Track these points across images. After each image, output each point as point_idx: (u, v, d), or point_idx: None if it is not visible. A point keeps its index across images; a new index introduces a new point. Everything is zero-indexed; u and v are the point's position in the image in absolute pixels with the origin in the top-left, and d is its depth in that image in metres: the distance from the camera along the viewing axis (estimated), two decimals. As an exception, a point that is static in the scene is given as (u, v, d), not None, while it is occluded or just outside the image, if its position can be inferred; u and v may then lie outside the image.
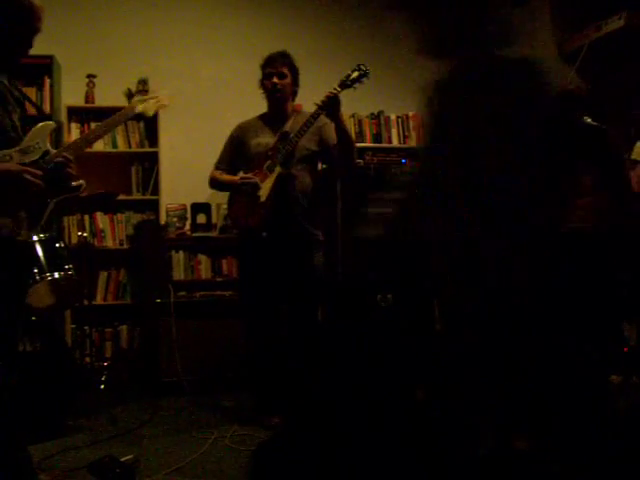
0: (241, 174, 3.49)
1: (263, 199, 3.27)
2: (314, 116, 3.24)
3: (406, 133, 5.17)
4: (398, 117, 5.16)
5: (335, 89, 3.23)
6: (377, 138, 5.12)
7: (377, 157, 4.77)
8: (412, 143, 5.16)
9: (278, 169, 3.27)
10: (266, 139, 3.40)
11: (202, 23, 5.07)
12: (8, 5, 2.27)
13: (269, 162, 3.31)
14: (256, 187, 3.29)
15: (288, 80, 3.40)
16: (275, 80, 3.37)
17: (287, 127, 3.38)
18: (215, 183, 3.60)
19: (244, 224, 3.38)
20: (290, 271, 3.36)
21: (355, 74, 3.27)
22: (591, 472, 1.84)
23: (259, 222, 3.29)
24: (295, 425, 1.40)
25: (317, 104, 3.24)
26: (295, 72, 3.45)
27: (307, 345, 3.26)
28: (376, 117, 5.13)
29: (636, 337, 3.68)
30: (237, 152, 3.52)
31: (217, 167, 3.57)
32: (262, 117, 3.54)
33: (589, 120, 3.21)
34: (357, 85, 3.27)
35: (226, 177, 3.52)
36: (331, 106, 3.22)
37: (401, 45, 5.43)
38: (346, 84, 3.25)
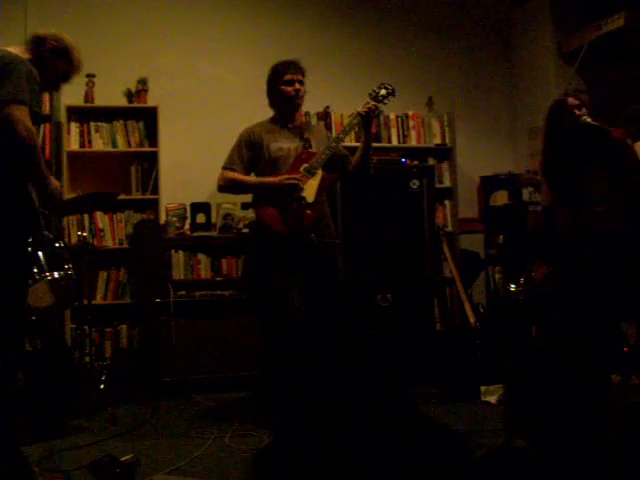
0: (260, 176, 3.46)
1: (311, 200, 3.30)
2: (351, 124, 3.43)
3: (405, 133, 5.17)
4: (397, 116, 5.16)
5: (370, 102, 3.38)
6: (377, 137, 5.10)
7: (377, 156, 4.77)
8: (411, 143, 5.17)
9: (320, 172, 3.34)
10: (287, 144, 3.42)
11: (201, 22, 5.06)
12: (58, 46, 2.65)
13: (306, 165, 3.34)
14: (300, 189, 3.31)
15: (304, 88, 3.46)
16: (298, 87, 3.41)
17: (305, 134, 3.44)
18: (233, 184, 3.48)
19: (294, 227, 3.30)
20: (321, 275, 3.39)
21: (383, 92, 3.41)
22: (590, 472, 1.83)
23: (311, 223, 3.29)
24: (296, 427, 1.40)
25: (359, 112, 3.37)
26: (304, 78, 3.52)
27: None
28: (376, 117, 5.11)
29: (635, 337, 3.69)
30: (255, 155, 3.46)
31: (230, 169, 3.46)
32: (274, 122, 3.52)
33: (589, 120, 3.22)
34: (386, 102, 3.44)
35: (254, 178, 3.46)
36: (372, 116, 3.42)
37: (401, 45, 5.45)
38: (378, 99, 3.40)
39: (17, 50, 2.56)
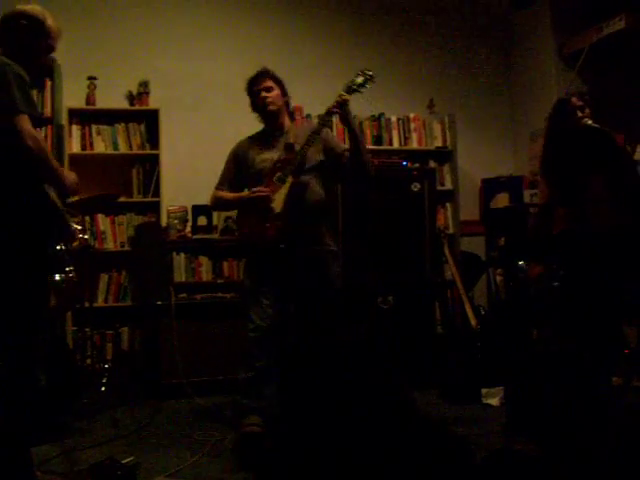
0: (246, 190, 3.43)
1: (278, 210, 3.19)
2: (322, 124, 3.26)
3: (407, 135, 5.17)
4: (399, 119, 5.17)
5: (342, 94, 3.20)
6: (378, 140, 5.12)
7: (378, 159, 4.77)
8: (412, 145, 5.18)
9: (290, 179, 3.21)
10: (270, 154, 3.34)
11: (202, 25, 5.08)
12: (30, 23, 2.52)
13: (279, 174, 3.24)
14: (268, 200, 3.21)
15: (276, 92, 3.37)
16: (264, 94, 3.34)
17: (290, 139, 3.34)
18: (219, 203, 3.53)
19: (260, 239, 3.25)
20: (305, 282, 3.28)
21: (360, 79, 3.25)
22: (592, 473, 1.84)
23: (276, 234, 3.19)
24: (296, 427, 1.40)
25: (327, 110, 3.24)
26: (281, 84, 3.41)
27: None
28: (377, 119, 5.13)
29: (636, 339, 3.69)
30: (240, 170, 3.46)
31: (219, 188, 3.49)
32: (261, 134, 3.50)
33: (590, 122, 3.23)
34: (362, 90, 3.26)
35: (232, 195, 3.45)
36: (341, 111, 3.22)
37: (401, 47, 5.45)
38: (352, 89, 3.23)
39: None
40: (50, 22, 2.59)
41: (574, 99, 3.40)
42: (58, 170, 2.49)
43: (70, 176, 2.58)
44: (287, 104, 3.47)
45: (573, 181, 3.30)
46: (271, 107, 3.36)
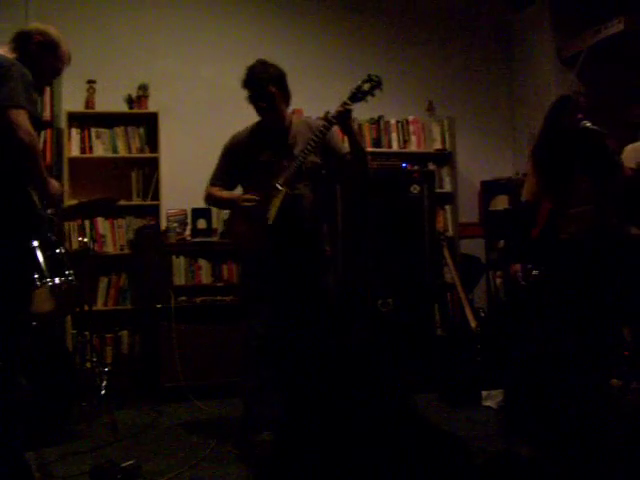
0: (238, 192, 3.30)
1: (271, 221, 3.06)
2: (322, 132, 3.05)
3: (406, 138, 5.18)
4: (398, 122, 5.17)
5: (346, 103, 3.02)
6: (377, 143, 5.12)
7: (377, 162, 4.77)
8: (412, 148, 5.18)
9: (284, 189, 3.05)
10: (268, 154, 3.18)
11: (202, 28, 5.08)
12: (45, 40, 2.62)
13: (275, 180, 3.08)
14: (260, 207, 3.09)
15: (274, 94, 3.13)
16: (261, 104, 3.14)
17: (289, 139, 3.19)
18: (212, 200, 3.38)
19: (251, 247, 3.18)
20: (299, 288, 3.19)
21: (367, 86, 3.05)
22: (592, 475, 1.83)
23: (268, 245, 3.10)
24: (294, 433, 1.41)
25: (327, 119, 3.11)
26: (279, 80, 3.15)
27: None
28: (376, 122, 5.13)
29: (633, 341, 3.69)
30: (235, 167, 3.29)
31: (213, 183, 3.32)
32: (259, 129, 3.29)
33: (588, 124, 3.24)
34: (369, 97, 3.07)
35: (225, 194, 3.28)
36: (342, 121, 3.07)
37: (401, 50, 5.46)
38: (357, 97, 3.05)
39: (3, 50, 2.52)
40: (63, 47, 2.69)
41: (582, 99, 3.40)
42: (45, 174, 2.49)
43: (55, 185, 2.59)
44: (287, 99, 3.22)
45: (562, 178, 3.31)
46: (268, 113, 3.18)
